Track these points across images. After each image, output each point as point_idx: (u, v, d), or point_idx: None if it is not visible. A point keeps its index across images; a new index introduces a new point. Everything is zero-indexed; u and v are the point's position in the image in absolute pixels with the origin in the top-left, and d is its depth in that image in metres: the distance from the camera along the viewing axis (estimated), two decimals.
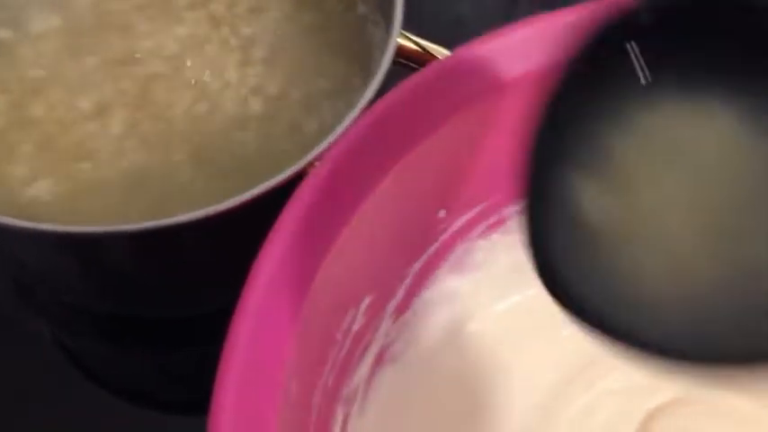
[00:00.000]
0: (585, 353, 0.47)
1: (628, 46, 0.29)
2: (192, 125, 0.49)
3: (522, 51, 0.41)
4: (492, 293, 0.49)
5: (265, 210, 0.40)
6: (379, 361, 0.45)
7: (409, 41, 0.58)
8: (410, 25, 0.52)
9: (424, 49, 0.58)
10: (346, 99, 0.49)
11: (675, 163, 0.30)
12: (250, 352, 0.34)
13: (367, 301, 0.42)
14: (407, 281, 0.45)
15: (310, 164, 0.41)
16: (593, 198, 0.30)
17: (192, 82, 0.51)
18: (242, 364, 0.33)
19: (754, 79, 0.29)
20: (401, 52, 0.47)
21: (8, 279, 0.59)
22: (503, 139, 0.42)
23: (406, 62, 0.58)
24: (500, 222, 0.47)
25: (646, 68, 0.29)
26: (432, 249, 0.45)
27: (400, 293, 0.45)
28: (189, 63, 0.51)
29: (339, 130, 0.41)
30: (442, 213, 0.44)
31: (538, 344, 0.49)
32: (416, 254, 0.45)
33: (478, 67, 0.41)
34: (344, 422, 0.43)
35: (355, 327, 0.42)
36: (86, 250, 0.47)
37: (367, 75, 0.49)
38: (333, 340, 0.40)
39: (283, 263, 0.36)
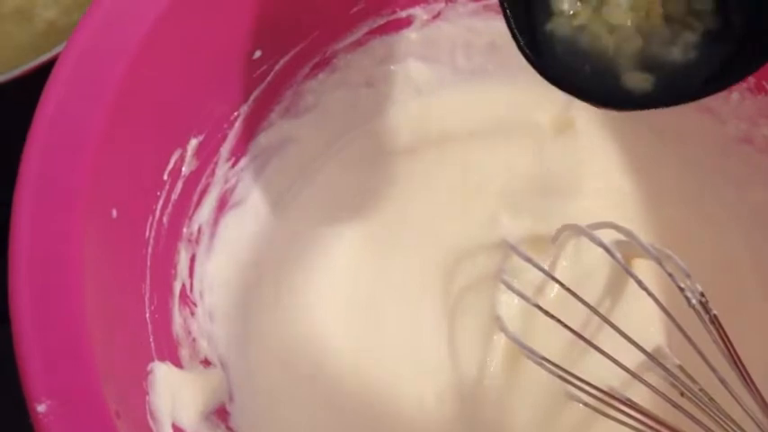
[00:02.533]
0: None
1: None
2: None
3: None
4: (327, 134, 0.51)
5: None
6: (223, 205, 0.47)
7: None
8: None
9: None
10: None
11: None
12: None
13: (194, 142, 0.44)
14: (238, 125, 0.46)
15: None
16: None
17: None
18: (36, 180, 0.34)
19: None
20: None
21: None
22: None
23: None
24: (325, 62, 0.49)
25: None
26: (257, 92, 0.47)
27: (232, 137, 0.46)
28: None
29: None
30: (257, 54, 0.45)
31: (379, 177, 0.51)
32: (240, 97, 0.46)
33: None
34: (192, 261, 0.44)
35: (186, 169, 0.43)
36: None
37: None
38: (159, 180, 0.42)
39: (60, 122, 0.36)
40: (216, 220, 0.46)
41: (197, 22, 0.40)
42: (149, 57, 0.38)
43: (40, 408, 0.30)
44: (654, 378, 0.44)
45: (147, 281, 0.40)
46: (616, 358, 0.42)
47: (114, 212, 0.37)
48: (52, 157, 0.35)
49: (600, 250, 0.46)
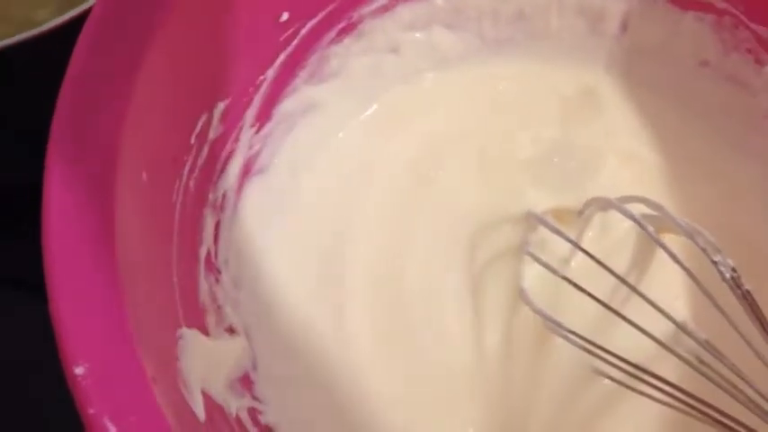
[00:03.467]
0: None
1: None
2: None
3: None
4: (352, 101, 0.50)
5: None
6: (247, 171, 0.46)
7: None
8: None
9: None
10: None
11: None
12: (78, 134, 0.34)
13: (221, 106, 0.43)
14: (263, 89, 0.46)
15: None
16: None
17: None
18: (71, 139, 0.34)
19: None
20: None
21: None
22: None
23: None
24: (351, 27, 0.48)
25: None
26: (283, 57, 0.46)
27: (257, 102, 0.45)
28: None
29: None
30: (284, 17, 0.45)
31: (402, 145, 0.50)
32: (266, 60, 0.45)
33: None
34: (217, 227, 0.44)
35: (212, 134, 0.43)
36: None
37: None
38: (186, 144, 0.41)
39: (96, 71, 0.36)
40: (240, 187, 0.45)
41: None
42: (180, 16, 0.37)
43: (78, 370, 0.29)
44: (680, 354, 0.43)
45: (175, 246, 0.39)
46: (644, 328, 0.41)
47: (144, 176, 0.36)
48: (83, 119, 0.34)
49: (626, 224, 0.46)
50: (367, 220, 0.48)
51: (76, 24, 0.37)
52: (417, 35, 0.50)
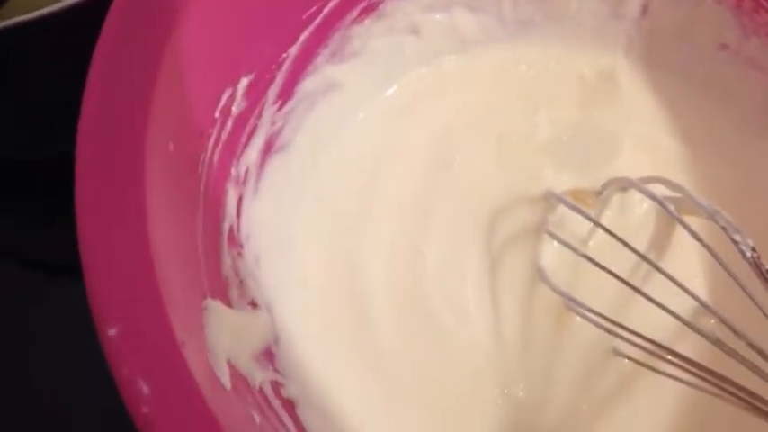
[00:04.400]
0: None
1: None
2: None
3: None
4: (372, 81, 0.50)
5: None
6: (269, 149, 0.46)
7: None
8: None
9: None
10: None
11: None
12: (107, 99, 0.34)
13: (244, 82, 0.43)
14: (286, 66, 0.46)
15: None
16: None
17: None
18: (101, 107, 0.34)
19: None
20: None
21: None
22: None
23: None
24: (372, 8, 0.48)
25: None
26: (306, 34, 0.46)
27: (280, 79, 0.46)
28: None
29: None
30: None
31: (421, 124, 0.50)
32: (289, 38, 0.45)
33: None
34: (239, 202, 0.44)
35: (236, 109, 0.43)
36: None
37: None
38: (211, 117, 0.41)
39: (125, 43, 0.36)
40: (262, 163, 0.46)
41: None
42: None
43: (111, 332, 0.30)
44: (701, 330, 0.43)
45: (200, 219, 0.39)
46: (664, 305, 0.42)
47: (171, 146, 0.37)
48: (113, 89, 0.35)
49: (645, 205, 0.46)
50: (386, 200, 0.48)
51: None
52: (438, 17, 0.50)
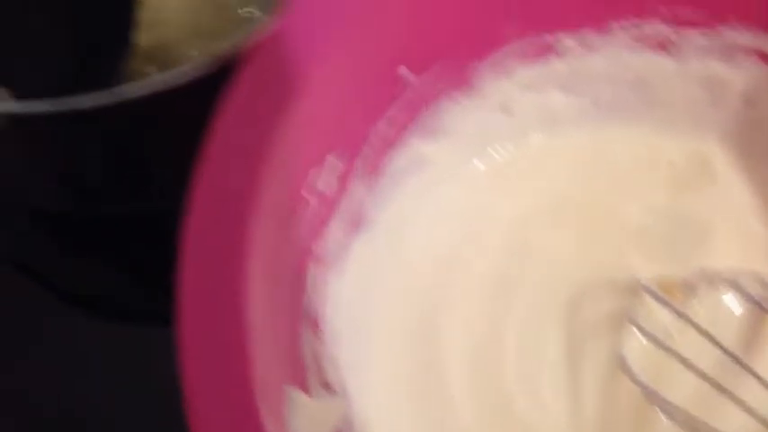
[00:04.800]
0: None
1: None
2: None
3: None
4: (460, 157, 0.50)
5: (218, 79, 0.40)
6: (353, 225, 0.46)
7: None
8: None
9: None
10: None
11: None
12: (212, 205, 0.35)
13: (333, 161, 0.43)
14: (375, 143, 0.45)
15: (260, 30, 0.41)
16: None
17: None
18: (205, 217, 0.35)
19: None
20: None
21: None
22: None
23: None
24: (466, 84, 0.48)
25: None
26: (395, 109, 0.46)
27: (368, 156, 0.45)
28: None
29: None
30: (403, 71, 0.45)
31: (506, 203, 0.50)
32: (380, 112, 0.45)
33: None
34: (319, 280, 0.43)
35: (325, 188, 0.43)
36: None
37: None
38: (300, 196, 0.41)
39: (238, 123, 0.37)
40: (345, 240, 0.45)
41: (363, 32, 0.40)
42: (323, 70, 0.39)
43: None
44: None
45: (284, 298, 0.39)
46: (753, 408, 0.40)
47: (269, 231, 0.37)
48: (224, 163, 0.37)
49: (735, 299, 0.45)
50: (467, 279, 0.48)
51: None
52: (531, 95, 0.50)
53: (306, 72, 0.40)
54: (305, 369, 0.40)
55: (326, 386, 0.42)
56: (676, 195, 0.49)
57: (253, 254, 0.36)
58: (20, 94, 0.45)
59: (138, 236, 0.52)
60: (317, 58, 0.40)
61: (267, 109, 0.38)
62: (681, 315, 0.44)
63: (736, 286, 0.43)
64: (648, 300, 0.45)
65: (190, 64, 0.39)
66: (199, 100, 0.39)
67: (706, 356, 0.44)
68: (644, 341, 0.45)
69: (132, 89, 0.39)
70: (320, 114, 0.41)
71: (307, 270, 0.42)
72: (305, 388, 0.40)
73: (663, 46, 0.49)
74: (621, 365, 0.44)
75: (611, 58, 0.49)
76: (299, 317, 0.41)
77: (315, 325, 0.43)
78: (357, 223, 0.46)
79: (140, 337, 0.51)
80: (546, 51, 0.48)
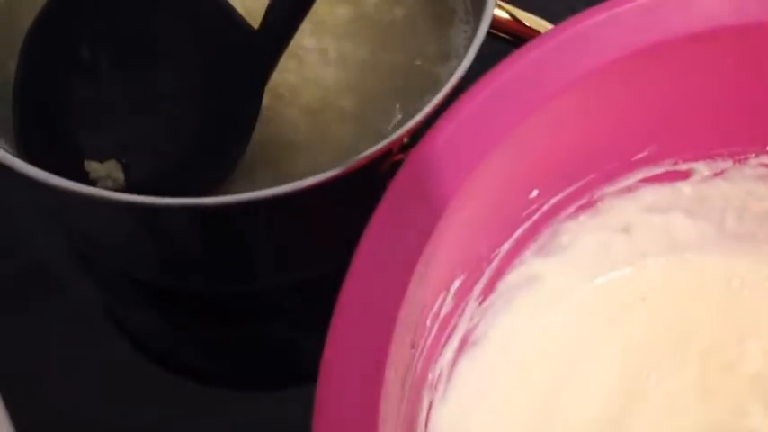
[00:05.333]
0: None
1: None
2: None
3: (635, 24, 0.39)
4: (575, 276, 0.47)
5: (348, 189, 0.39)
6: (463, 345, 0.43)
7: (503, 11, 0.56)
8: None
9: (514, 17, 0.55)
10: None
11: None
12: (355, 346, 0.32)
13: (457, 284, 0.40)
14: (495, 263, 0.43)
15: (400, 139, 0.39)
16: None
17: None
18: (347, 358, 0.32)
19: None
20: (494, 23, 0.45)
21: (69, 246, 0.57)
22: (607, 117, 0.40)
23: (495, 32, 0.55)
24: (589, 204, 0.45)
25: None
26: (520, 231, 0.43)
27: (486, 275, 0.43)
28: None
29: (435, 101, 0.39)
30: (534, 194, 0.42)
31: (618, 329, 0.47)
32: (506, 235, 0.43)
33: (586, 42, 0.39)
34: (429, 409, 0.41)
35: (444, 311, 0.40)
36: (151, 222, 0.46)
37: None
38: (424, 325, 0.38)
39: (385, 252, 0.35)
40: (454, 362, 0.43)
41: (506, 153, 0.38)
42: (464, 189, 0.37)
43: None
44: None
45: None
46: None
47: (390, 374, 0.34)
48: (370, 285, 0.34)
49: None
50: (571, 412, 0.45)
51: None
52: (654, 218, 0.47)
53: (449, 191, 0.37)
54: None
55: None
56: None
57: (385, 387, 0.33)
58: (129, 167, 0.45)
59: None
60: (461, 176, 0.37)
61: (413, 227, 0.36)
62: None
63: None
64: None
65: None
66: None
67: None
68: None
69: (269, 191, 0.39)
70: (454, 236, 0.38)
71: (421, 399, 0.40)
72: None
73: None
74: None
75: (743, 187, 0.47)
76: None
77: None
78: (465, 342, 0.44)
79: None
80: (676, 177, 0.46)
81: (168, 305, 0.56)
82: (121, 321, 0.57)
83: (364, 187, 0.39)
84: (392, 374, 0.34)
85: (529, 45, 0.40)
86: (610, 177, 0.45)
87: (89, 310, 0.56)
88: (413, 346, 0.38)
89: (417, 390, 0.39)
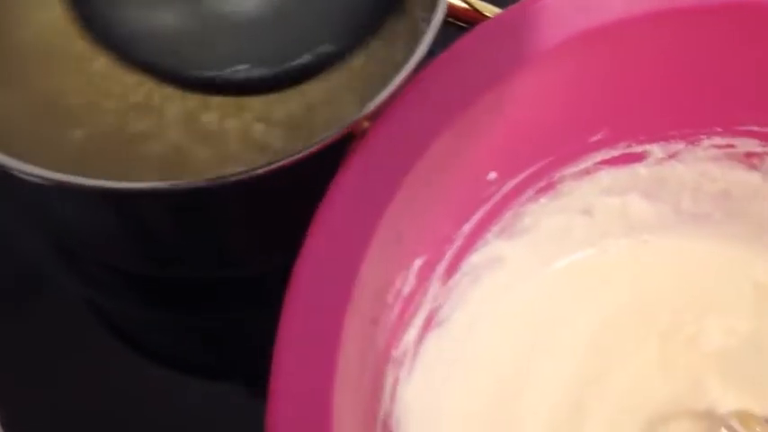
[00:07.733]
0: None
1: None
2: None
3: (585, 5, 0.41)
4: (538, 258, 0.48)
5: (313, 170, 0.40)
6: (428, 325, 0.45)
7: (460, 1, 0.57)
8: None
9: (472, 6, 0.57)
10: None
11: None
12: (310, 314, 0.34)
13: (418, 263, 0.41)
14: (457, 244, 0.44)
15: (359, 122, 0.41)
16: None
17: None
18: (302, 327, 0.33)
19: None
20: (449, 11, 0.46)
21: (48, 241, 0.58)
22: (560, 98, 0.41)
23: (454, 21, 0.57)
24: (550, 187, 0.47)
25: None
26: (481, 212, 0.44)
27: (449, 256, 0.44)
28: None
29: (391, 87, 0.41)
30: (492, 176, 0.43)
31: (581, 310, 0.48)
32: (466, 216, 0.44)
33: (537, 24, 0.40)
34: (394, 386, 0.42)
35: (406, 289, 0.41)
36: (129, 207, 0.47)
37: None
38: (384, 303, 0.40)
39: (340, 226, 0.36)
40: (419, 341, 0.44)
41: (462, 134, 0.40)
42: (421, 168, 0.38)
43: None
44: None
45: (361, 409, 0.38)
46: None
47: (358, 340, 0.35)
48: (325, 257, 0.36)
49: None
50: (537, 389, 0.46)
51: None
52: (612, 200, 0.48)
53: (402, 168, 0.38)
54: None
55: None
56: (762, 320, 0.47)
57: (340, 363, 0.35)
58: None
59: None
60: (413, 155, 0.39)
61: (367, 203, 0.37)
62: None
63: None
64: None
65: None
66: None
67: None
68: None
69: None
70: (413, 216, 0.40)
71: (385, 377, 0.41)
72: None
73: (750, 161, 0.48)
74: None
75: (697, 168, 0.48)
76: (374, 424, 0.40)
77: (386, 428, 0.41)
78: (430, 322, 0.45)
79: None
80: (633, 159, 0.47)
81: (154, 296, 0.57)
82: (103, 312, 0.57)
83: (330, 170, 0.40)
84: (349, 346, 0.35)
85: (481, 26, 0.41)
86: (568, 160, 0.46)
87: (72, 305, 0.56)
88: (374, 321, 0.39)
89: (381, 364, 0.41)
